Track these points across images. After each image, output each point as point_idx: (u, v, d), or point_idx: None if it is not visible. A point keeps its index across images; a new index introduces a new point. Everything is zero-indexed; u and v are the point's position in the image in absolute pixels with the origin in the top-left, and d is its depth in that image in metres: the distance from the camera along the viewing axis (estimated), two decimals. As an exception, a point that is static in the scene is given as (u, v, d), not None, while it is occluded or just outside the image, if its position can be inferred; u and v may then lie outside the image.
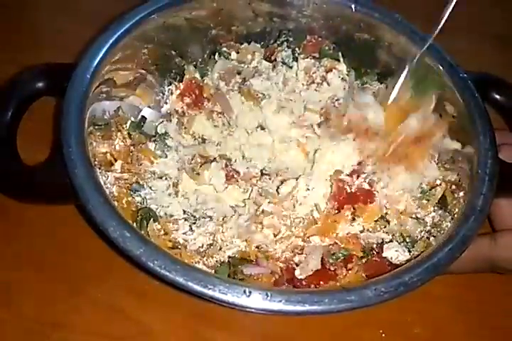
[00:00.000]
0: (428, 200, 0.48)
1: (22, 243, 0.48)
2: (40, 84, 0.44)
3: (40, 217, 0.49)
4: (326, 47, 0.54)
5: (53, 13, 0.64)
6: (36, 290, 0.46)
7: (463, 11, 0.69)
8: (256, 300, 0.34)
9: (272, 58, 0.54)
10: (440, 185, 0.49)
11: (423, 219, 0.47)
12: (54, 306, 0.45)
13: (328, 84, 0.51)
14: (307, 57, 0.53)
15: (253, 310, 0.35)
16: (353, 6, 0.50)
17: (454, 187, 0.47)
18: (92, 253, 0.47)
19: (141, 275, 0.42)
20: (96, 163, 0.44)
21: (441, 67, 0.47)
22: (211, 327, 0.46)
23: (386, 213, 0.46)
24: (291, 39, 0.55)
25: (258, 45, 0.55)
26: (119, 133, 0.49)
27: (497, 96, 0.49)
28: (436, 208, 0.48)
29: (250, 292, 0.34)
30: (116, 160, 0.47)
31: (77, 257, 0.47)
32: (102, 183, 0.40)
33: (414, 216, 0.47)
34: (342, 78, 0.51)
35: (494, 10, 0.72)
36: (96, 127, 0.45)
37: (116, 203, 0.43)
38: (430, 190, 0.49)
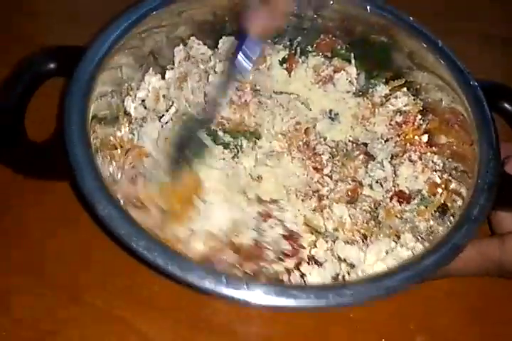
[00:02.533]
0: (426, 207, 0.47)
1: (21, 250, 0.47)
2: (51, 65, 0.45)
3: (39, 223, 0.49)
4: (339, 47, 0.54)
5: (51, 15, 0.64)
6: (35, 297, 0.45)
7: (465, 13, 0.70)
8: (235, 290, 0.34)
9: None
10: (441, 193, 0.48)
11: (405, 218, 0.46)
12: (53, 314, 0.45)
13: (334, 85, 0.50)
14: (318, 55, 0.53)
15: (231, 299, 0.34)
16: (368, 7, 0.50)
17: (455, 196, 0.46)
18: (92, 260, 0.47)
19: (141, 283, 0.42)
20: (99, 145, 0.45)
21: (450, 73, 0.46)
22: (212, 337, 0.45)
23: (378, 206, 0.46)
24: (304, 37, 0.55)
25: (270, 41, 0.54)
26: (125, 119, 0.50)
27: (508, 107, 0.47)
28: (435, 216, 0.47)
29: (229, 281, 0.34)
30: (121, 146, 0.48)
31: (76, 265, 0.47)
32: (100, 165, 0.41)
33: (399, 215, 0.46)
34: (350, 81, 0.51)
35: (496, 11, 0.71)
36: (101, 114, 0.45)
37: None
38: (430, 197, 0.48)
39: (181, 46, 0.51)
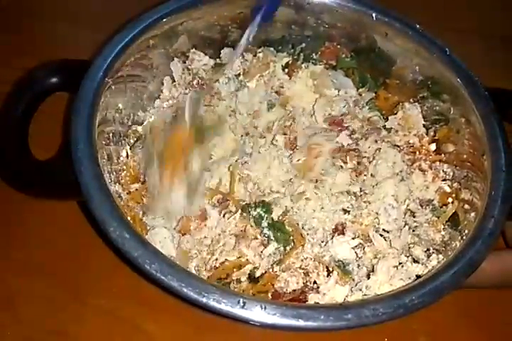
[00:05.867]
0: (438, 217, 0.47)
1: (25, 250, 0.47)
2: (54, 80, 0.44)
3: (43, 223, 0.48)
4: (343, 55, 0.53)
5: (53, 16, 0.64)
6: (38, 297, 0.45)
7: (472, 13, 0.70)
8: (250, 311, 0.34)
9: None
10: (452, 202, 0.48)
11: (414, 231, 0.45)
12: (56, 314, 0.44)
13: None
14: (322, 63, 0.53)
15: (245, 321, 0.34)
16: (373, 15, 0.49)
17: (467, 206, 0.45)
18: (95, 260, 0.47)
19: (145, 283, 0.41)
20: (105, 161, 0.44)
21: (460, 82, 0.46)
22: (217, 336, 0.45)
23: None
24: (308, 45, 0.54)
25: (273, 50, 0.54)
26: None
27: (518, 116, 0.47)
28: (447, 227, 0.47)
29: (245, 302, 0.34)
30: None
31: (79, 265, 0.47)
32: (108, 182, 0.40)
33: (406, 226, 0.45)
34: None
35: (496, 11, 0.72)
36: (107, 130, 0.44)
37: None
38: (441, 207, 0.48)
39: (176, 60, 0.50)
